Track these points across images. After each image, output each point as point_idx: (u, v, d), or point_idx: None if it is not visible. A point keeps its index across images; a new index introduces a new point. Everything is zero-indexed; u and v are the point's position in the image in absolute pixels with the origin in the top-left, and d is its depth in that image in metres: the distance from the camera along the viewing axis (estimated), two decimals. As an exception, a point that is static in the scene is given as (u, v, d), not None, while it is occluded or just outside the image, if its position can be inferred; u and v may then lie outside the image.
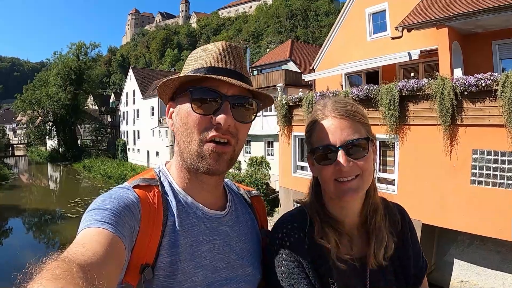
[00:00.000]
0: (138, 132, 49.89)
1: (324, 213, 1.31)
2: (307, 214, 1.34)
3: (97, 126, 64.40)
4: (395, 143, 10.84)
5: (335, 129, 1.22)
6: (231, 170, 15.54)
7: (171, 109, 1.21)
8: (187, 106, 1.12)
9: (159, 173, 1.23)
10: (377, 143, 11.28)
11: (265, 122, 24.63)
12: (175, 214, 1.12)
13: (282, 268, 1.24)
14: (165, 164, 1.29)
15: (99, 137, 65.26)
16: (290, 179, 15.34)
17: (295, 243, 1.25)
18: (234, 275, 1.19)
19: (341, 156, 1.19)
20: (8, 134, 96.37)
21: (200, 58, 1.16)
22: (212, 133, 1.10)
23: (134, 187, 1.11)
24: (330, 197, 1.31)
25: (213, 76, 1.09)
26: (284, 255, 1.25)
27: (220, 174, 1.19)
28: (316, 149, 1.26)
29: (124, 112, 56.31)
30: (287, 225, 1.31)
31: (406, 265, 1.37)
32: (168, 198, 1.15)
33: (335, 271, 1.23)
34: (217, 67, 1.13)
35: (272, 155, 24.55)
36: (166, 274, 1.05)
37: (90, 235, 0.87)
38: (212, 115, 1.10)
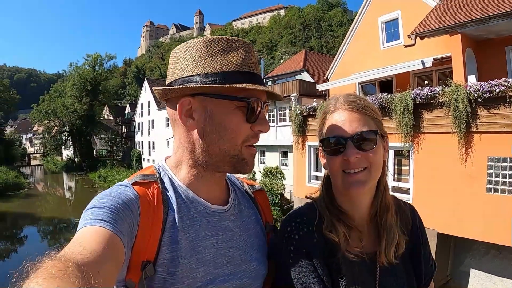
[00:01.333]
0: (153, 142, 50.19)
1: (334, 207, 1.32)
2: (316, 209, 1.34)
3: (113, 136, 64.90)
4: (410, 151, 10.71)
5: (344, 121, 1.24)
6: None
7: (187, 106, 1.12)
8: (229, 112, 1.11)
9: (158, 169, 1.22)
10: (392, 152, 11.23)
11: (280, 133, 24.63)
12: (175, 210, 1.11)
13: (291, 261, 1.24)
14: (165, 160, 1.27)
15: (114, 148, 65.78)
16: (304, 189, 15.08)
17: (304, 237, 1.26)
18: (238, 270, 1.18)
19: (349, 147, 1.21)
20: (25, 144, 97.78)
21: (222, 59, 1.11)
22: (254, 140, 1.15)
23: (133, 184, 1.10)
24: (339, 190, 1.32)
25: (265, 90, 1.13)
26: (292, 248, 1.25)
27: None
28: (325, 140, 1.28)
29: (139, 123, 56.69)
30: (296, 219, 1.31)
31: (417, 265, 1.37)
32: (168, 193, 1.14)
33: (344, 265, 1.23)
34: (251, 72, 1.14)
35: (286, 165, 24.47)
36: (167, 270, 1.04)
37: (87, 233, 0.87)
38: (252, 123, 1.13)
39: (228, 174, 1.35)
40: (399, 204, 1.43)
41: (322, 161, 1.35)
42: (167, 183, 1.17)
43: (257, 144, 1.17)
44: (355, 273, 1.24)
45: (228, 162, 1.14)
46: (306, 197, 1.49)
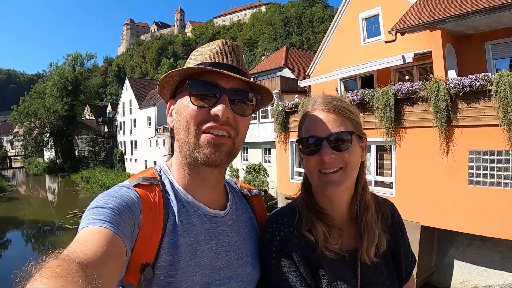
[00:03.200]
0: (136, 142, 49.91)
1: (313, 206, 1.33)
2: (296, 209, 1.36)
3: (94, 136, 64.50)
4: (392, 146, 10.84)
5: (321, 121, 1.26)
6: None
7: (172, 107, 1.22)
8: (186, 100, 1.13)
9: (159, 171, 1.23)
10: (374, 147, 11.33)
11: (262, 129, 24.65)
12: (176, 214, 1.12)
13: (273, 261, 1.25)
14: (166, 162, 1.29)
15: (96, 148, 65.30)
16: (288, 185, 15.26)
17: (284, 237, 1.27)
18: (234, 274, 1.19)
19: (324, 147, 1.22)
20: (6, 146, 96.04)
21: (199, 56, 1.18)
22: (209, 124, 1.11)
23: (135, 186, 1.11)
24: (317, 190, 1.33)
25: (212, 68, 1.10)
26: (274, 249, 1.26)
27: (219, 166, 1.18)
28: (302, 140, 1.30)
29: (121, 122, 56.34)
30: (277, 220, 1.32)
31: (397, 259, 1.40)
32: (169, 197, 1.15)
33: (325, 263, 1.25)
34: (216, 62, 1.14)
35: (269, 162, 24.57)
36: (166, 273, 1.05)
37: (90, 233, 0.87)
38: (211, 107, 1.11)
39: (227, 178, 1.38)
40: (378, 201, 1.45)
41: (301, 161, 1.36)
42: (167, 186, 1.18)
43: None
44: (336, 270, 1.26)
45: (192, 152, 1.14)
46: (286, 198, 1.52)
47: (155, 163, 41.26)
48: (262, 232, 1.34)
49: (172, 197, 1.15)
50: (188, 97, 1.12)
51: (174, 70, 1.13)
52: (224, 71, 1.09)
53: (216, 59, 1.15)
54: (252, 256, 1.28)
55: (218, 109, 1.09)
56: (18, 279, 0.64)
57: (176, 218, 1.11)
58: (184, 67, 1.16)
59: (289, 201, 1.46)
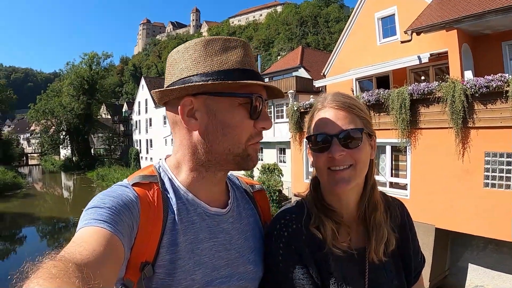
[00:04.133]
0: (151, 140, 50.07)
1: (322, 204, 1.33)
2: (305, 206, 1.36)
3: (110, 135, 64.77)
4: (407, 147, 10.74)
5: (331, 118, 1.25)
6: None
7: (189, 106, 1.11)
8: (232, 109, 1.11)
9: (158, 169, 1.21)
10: (389, 148, 11.24)
11: (277, 129, 24.62)
12: (175, 212, 1.11)
13: (280, 258, 1.24)
14: (166, 160, 1.25)
15: (112, 146, 65.49)
16: (302, 185, 14.95)
17: (292, 234, 1.27)
18: (235, 272, 1.18)
19: (334, 145, 1.22)
20: (22, 144, 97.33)
21: (221, 56, 1.11)
22: (258, 138, 1.15)
23: (134, 185, 1.10)
24: (326, 188, 1.33)
25: (268, 85, 1.15)
26: (282, 246, 1.26)
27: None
28: (312, 137, 1.30)
29: (136, 121, 56.48)
30: (285, 216, 1.32)
31: (406, 259, 1.39)
32: (168, 195, 1.13)
33: (332, 261, 1.24)
34: (252, 70, 1.15)
35: (284, 162, 24.52)
36: (166, 271, 1.05)
37: (88, 234, 0.87)
38: (255, 120, 1.13)
39: (228, 174, 1.35)
40: (387, 200, 1.44)
41: (310, 158, 1.36)
42: (167, 184, 1.16)
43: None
44: (344, 268, 1.25)
45: (232, 160, 1.14)
46: (295, 195, 1.52)
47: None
48: (269, 229, 1.33)
49: (171, 195, 1.13)
50: (240, 108, 1.11)
51: (207, 83, 1.08)
52: (273, 86, 1.17)
53: (247, 65, 1.13)
54: (254, 254, 1.27)
55: (268, 124, 1.15)
56: (14, 280, 0.65)
57: (176, 216, 1.10)
58: (197, 62, 1.11)
59: (299, 198, 1.45)
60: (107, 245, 0.85)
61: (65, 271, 0.67)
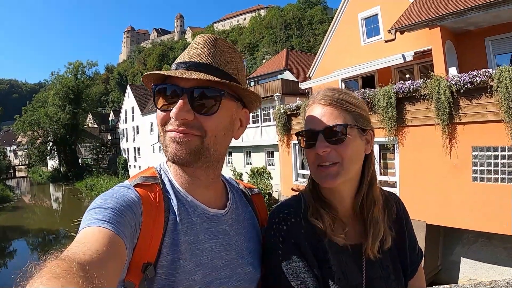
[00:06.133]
0: (139, 148, 49.93)
1: (319, 198, 1.33)
2: (302, 200, 1.35)
3: (97, 144, 64.51)
4: (395, 145, 10.82)
5: (317, 115, 1.26)
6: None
7: None
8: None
9: (159, 170, 1.22)
10: (377, 147, 11.30)
11: (265, 132, 24.67)
12: (176, 213, 1.12)
13: (280, 251, 1.24)
14: (166, 162, 1.26)
15: (99, 155, 65.36)
16: (291, 187, 15.08)
17: (291, 227, 1.26)
18: (234, 273, 1.18)
19: (318, 140, 1.22)
20: (9, 156, 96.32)
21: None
22: (169, 127, 1.10)
23: (135, 186, 1.10)
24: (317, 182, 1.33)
25: (160, 72, 1.10)
26: (281, 239, 1.25)
27: (193, 165, 1.13)
28: (300, 133, 1.31)
29: (123, 130, 56.41)
30: (284, 210, 1.32)
31: (402, 253, 1.39)
32: (169, 196, 1.14)
33: (331, 254, 1.24)
34: (182, 61, 1.14)
35: (273, 165, 24.56)
36: (167, 272, 1.04)
37: (91, 234, 0.87)
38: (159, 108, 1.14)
39: (227, 178, 1.40)
40: (386, 196, 1.44)
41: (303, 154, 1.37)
42: (167, 185, 1.17)
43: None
44: (342, 262, 1.25)
45: (164, 151, 1.14)
46: (293, 189, 1.53)
47: (158, 169, 41.49)
48: (268, 223, 1.33)
49: (172, 196, 1.14)
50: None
51: (143, 76, 1.16)
52: (170, 72, 1.09)
53: (184, 58, 1.15)
54: (253, 255, 1.27)
55: (172, 112, 1.07)
56: (18, 280, 0.64)
57: (177, 217, 1.11)
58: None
59: (296, 193, 1.44)
60: (110, 245, 0.85)
61: (69, 270, 0.67)
